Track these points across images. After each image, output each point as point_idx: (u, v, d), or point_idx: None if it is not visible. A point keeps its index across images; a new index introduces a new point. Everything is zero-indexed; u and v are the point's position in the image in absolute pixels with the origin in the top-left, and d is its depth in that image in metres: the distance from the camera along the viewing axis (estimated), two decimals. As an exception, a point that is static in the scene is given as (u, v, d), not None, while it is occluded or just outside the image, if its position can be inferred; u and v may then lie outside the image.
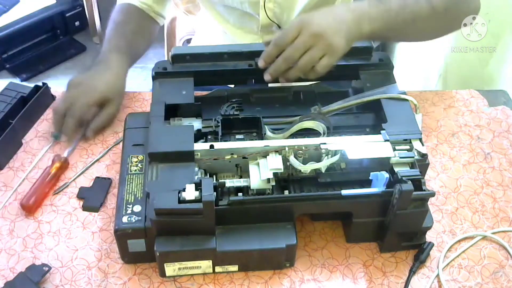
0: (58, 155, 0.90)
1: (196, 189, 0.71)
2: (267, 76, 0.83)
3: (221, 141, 0.80)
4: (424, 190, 0.73)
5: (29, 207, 0.83)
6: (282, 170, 0.76)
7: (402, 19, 0.86)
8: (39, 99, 0.97)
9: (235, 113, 0.87)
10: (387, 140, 0.78)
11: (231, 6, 1.06)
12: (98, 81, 0.94)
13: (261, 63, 0.83)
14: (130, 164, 0.81)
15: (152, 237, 0.73)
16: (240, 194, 0.76)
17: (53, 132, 0.94)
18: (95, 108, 0.93)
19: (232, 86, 1.01)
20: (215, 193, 0.71)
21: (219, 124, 0.82)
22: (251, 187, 0.75)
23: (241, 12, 1.07)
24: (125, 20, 1.04)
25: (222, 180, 0.76)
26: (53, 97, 1.01)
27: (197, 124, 0.83)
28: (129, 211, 0.74)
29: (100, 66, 0.97)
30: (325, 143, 0.77)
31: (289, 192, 0.77)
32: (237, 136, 0.83)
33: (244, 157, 0.77)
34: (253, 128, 0.83)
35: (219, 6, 1.09)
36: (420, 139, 0.79)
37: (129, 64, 1.00)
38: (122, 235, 0.73)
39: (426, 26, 0.91)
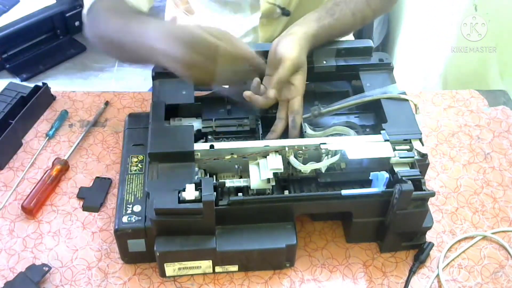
0: (58, 158, 0.90)
1: (196, 189, 0.71)
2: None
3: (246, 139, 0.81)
4: (424, 190, 0.73)
5: (30, 210, 0.83)
6: (282, 170, 0.76)
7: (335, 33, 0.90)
8: (39, 99, 0.97)
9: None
10: (387, 140, 0.78)
11: (227, 1, 1.06)
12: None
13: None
14: (130, 164, 0.81)
15: (152, 237, 0.73)
16: (240, 194, 0.76)
17: (48, 131, 0.94)
18: None
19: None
20: (215, 193, 0.71)
21: (259, 122, 0.84)
22: (251, 187, 0.75)
23: (235, 5, 1.06)
24: (125, 8, 0.88)
25: (222, 180, 0.76)
26: (53, 97, 1.01)
27: (197, 124, 0.83)
28: (129, 211, 0.74)
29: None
30: (325, 143, 0.77)
31: (289, 192, 0.77)
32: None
33: (244, 157, 0.77)
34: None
35: (212, 3, 1.08)
36: (420, 139, 0.79)
37: None
38: (122, 235, 0.73)
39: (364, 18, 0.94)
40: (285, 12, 1.04)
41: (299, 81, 0.83)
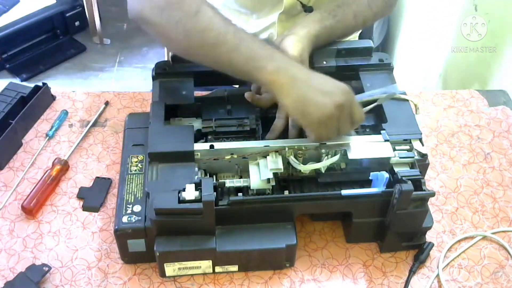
0: (58, 158, 0.90)
1: (196, 189, 0.71)
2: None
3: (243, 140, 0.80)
4: (424, 190, 0.73)
5: (30, 210, 0.83)
6: (282, 170, 0.76)
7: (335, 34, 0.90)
8: (39, 99, 0.97)
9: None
10: (387, 140, 0.78)
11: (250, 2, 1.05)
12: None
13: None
14: (130, 164, 0.81)
15: (152, 237, 0.73)
16: (240, 194, 0.76)
17: (48, 131, 0.94)
18: None
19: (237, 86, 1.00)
20: (215, 193, 0.71)
21: (259, 122, 0.83)
22: (251, 187, 0.75)
23: (257, 2, 1.06)
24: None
25: (222, 180, 0.76)
26: (53, 97, 1.01)
27: (197, 124, 0.83)
28: (129, 211, 0.74)
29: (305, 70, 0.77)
30: (325, 143, 0.77)
31: (289, 192, 0.77)
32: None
33: (244, 157, 0.77)
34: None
35: (235, 5, 1.07)
36: (420, 139, 0.79)
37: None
38: (122, 235, 0.73)
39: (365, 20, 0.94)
40: (307, 9, 1.03)
41: None
